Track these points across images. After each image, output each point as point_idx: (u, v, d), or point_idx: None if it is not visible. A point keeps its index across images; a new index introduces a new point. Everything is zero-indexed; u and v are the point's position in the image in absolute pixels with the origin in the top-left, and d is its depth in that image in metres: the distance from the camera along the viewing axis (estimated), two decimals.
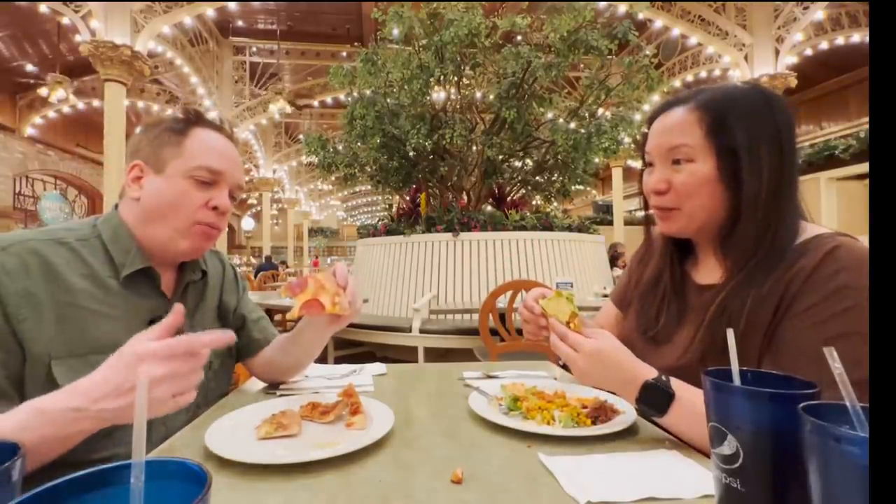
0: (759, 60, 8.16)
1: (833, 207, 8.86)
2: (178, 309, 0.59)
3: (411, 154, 4.51)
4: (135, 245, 0.81)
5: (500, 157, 4.58)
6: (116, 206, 0.87)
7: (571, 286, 3.73)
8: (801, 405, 0.36)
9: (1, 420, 0.54)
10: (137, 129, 0.89)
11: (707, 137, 0.74)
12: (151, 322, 0.79)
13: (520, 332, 2.70)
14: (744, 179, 0.72)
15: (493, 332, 2.67)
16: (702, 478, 0.54)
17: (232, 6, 8.04)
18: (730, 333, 0.49)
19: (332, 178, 5.40)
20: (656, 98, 9.22)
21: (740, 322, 0.69)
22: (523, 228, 4.10)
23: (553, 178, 5.02)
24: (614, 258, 6.03)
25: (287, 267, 12.68)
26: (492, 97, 4.48)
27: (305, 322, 0.91)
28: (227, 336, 0.59)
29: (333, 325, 0.89)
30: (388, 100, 4.55)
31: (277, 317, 5.01)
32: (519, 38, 4.60)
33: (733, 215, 0.75)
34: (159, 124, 0.85)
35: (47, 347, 0.69)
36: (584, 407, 0.77)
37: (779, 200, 0.72)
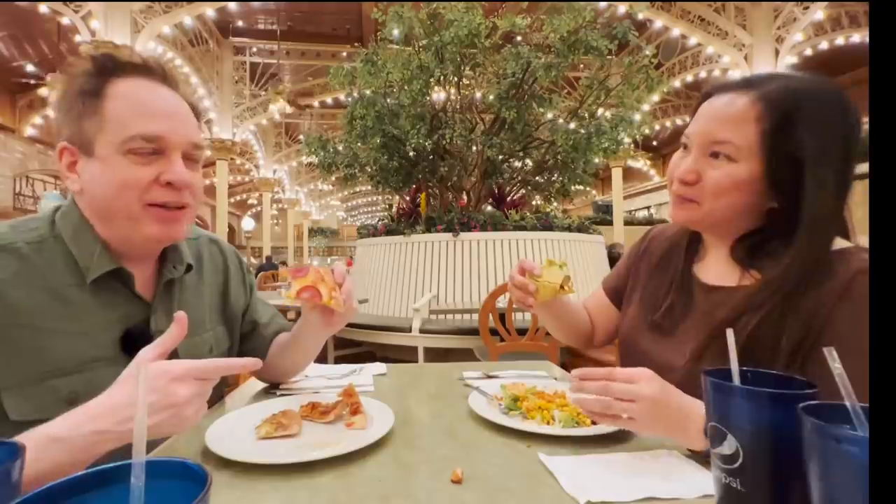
0: (758, 60, 8.16)
1: None
2: (180, 319, 0.56)
3: (411, 154, 4.51)
4: (99, 243, 0.69)
5: (500, 157, 4.59)
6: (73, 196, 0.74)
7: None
8: (801, 405, 0.36)
9: None
10: (53, 98, 0.71)
11: (763, 139, 0.66)
12: (127, 333, 0.70)
13: (520, 332, 2.70)
14: (806, 191, 0.64)
15: (493, 332, 2.66)
16: (702, 478, 0.54)
17: (232, 6, 8.05)
18: (729, 334, 0.48)
19: (333, 179, 5.42)
20: (656, 98, 9.23)
21: (779, 351, 0.65)
22: (523, 228, 4.10)
23: (553, 178, 5.03)
24: (614, 258, 6.01)
25: (287, 267, 12.68)
26: (492, 97, 4.49)
27: (302, 323, 0.88)
28: (256, 363, 0.60)
29: (329, 326, 0.85)
30: (388, 100, 4.56)
31: None
32: (519, 38, 4.60)
33: (771, 224, 0.71)
34: (70, 89, 0.68)
35: None
36: None
37: (837, 215, 0.67)
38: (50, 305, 0.65)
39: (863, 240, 0.66)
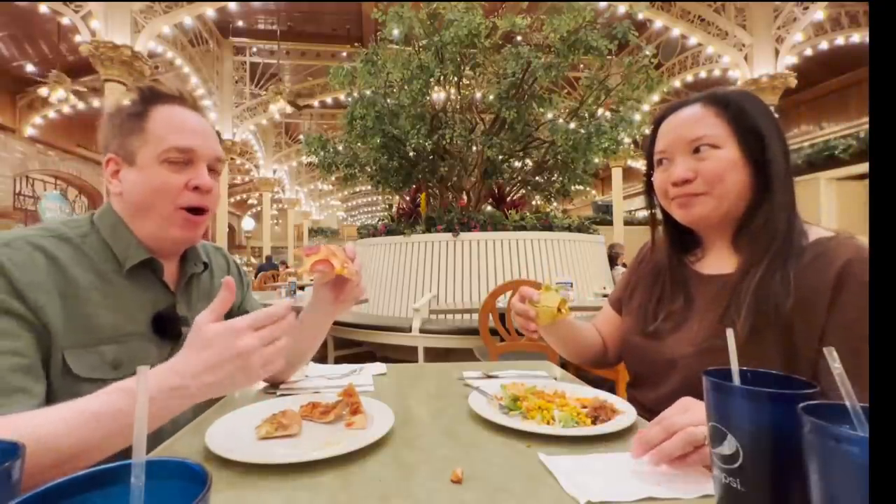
0: (758, 60, 8.16)
1: (833, 207, 8.86)
2: (228, 283, 0.62)
3: (411, 154, 4.51)
4: (134, 238, 0.82)
5: (500, 157, 4.58)
6: (109, 200, 0.87)
7: (571, 286, 3.73)
8: (801, 405, 0.36)
9: (86, 403, 0.55)
10: (102, 119, 0.85)
11: (730, 125, 0.78)
12: (157, 316, 0.82)
13: (520, 332, 2.70)
14: (770, 159, 0.76)
15: (493, 332, 2.67)
16: (702, 478, 0.54)
17: (232, 6, 8.04)
18: (729, 333, 0.48)
19: (333, 179, 5.42)
20: (656, 98, 9.24)
21: (788, 299, 0.70)
22: (523, 228, 4.10)
23: (553, 178, 5.02)
24: (613, 258, 6.02)
25: (287, 267, 12.66)
26: (492, 97, 4.48)
27: (313, 301, 0.93)
28: (287, 306, 0.65)
29: (338, 304, 0.90)
30: (388, 100, 4.56)
31: None
32: (519, 38, 4.60)
33: (757, 198, 0.78)
34: (120, 112, 0.83)
35: (60, 337, 0.70)
36: (584, 407, 0.77)
37: (791, 184, 0.77)
38: (98, 284, 0.77)
39: (863, 239, 0.70)
